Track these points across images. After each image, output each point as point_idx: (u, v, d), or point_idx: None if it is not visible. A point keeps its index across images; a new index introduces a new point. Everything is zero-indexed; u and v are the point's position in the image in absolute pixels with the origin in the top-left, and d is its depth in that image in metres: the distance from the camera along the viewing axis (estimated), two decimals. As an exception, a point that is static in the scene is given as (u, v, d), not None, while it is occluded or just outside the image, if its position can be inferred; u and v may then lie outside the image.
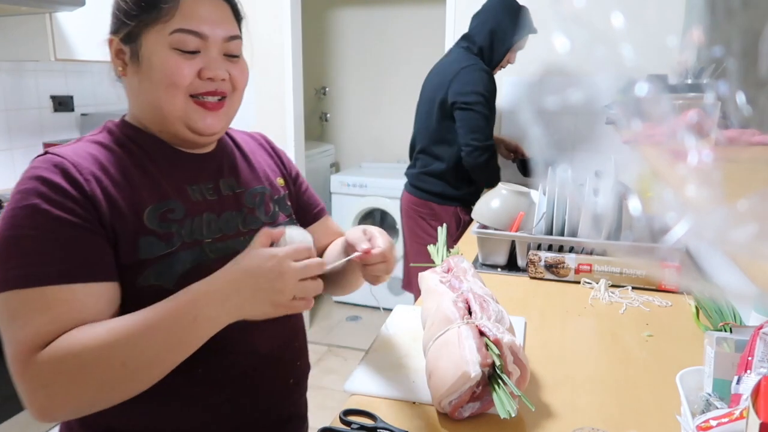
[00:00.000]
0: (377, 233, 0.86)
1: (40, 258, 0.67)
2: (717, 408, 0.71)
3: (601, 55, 0.52)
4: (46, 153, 0.75)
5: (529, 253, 1.46)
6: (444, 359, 0.82)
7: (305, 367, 0.97)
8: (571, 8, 0.54)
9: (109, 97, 2.81)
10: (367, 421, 0.82)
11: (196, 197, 0.83)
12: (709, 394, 0.75)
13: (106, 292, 0.71)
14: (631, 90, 0.55)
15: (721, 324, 1.05)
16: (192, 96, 0.78)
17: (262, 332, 0.84)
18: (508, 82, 2.61)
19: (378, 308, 3.53)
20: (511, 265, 1.55)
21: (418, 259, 1.23)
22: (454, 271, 1.06)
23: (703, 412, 0.71)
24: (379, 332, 1.12)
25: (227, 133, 0.97)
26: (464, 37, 2.26)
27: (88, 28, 2.25)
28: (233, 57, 0.81)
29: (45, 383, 0.64)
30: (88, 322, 0.67)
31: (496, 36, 2.18)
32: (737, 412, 0.63)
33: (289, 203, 0.98)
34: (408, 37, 3.82)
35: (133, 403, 0.69)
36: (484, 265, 1.57)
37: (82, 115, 2.63)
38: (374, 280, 0.86)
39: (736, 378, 0.69)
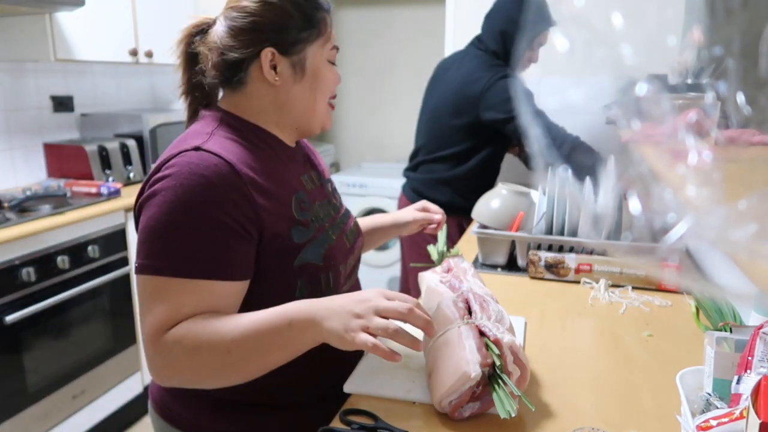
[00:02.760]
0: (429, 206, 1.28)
1: (195, 254, 0.76)
2: (717, 408, 0.71)
3: (601, 55, 0.53)
4: (198, 149, 0.80)
5: (529, 253, 1.46)
6: (444, 359, 0.82)
7: None
8: (571, 8, 0.54)
9: (109, 97, 2.82)
10: (367, 421, 0.82)
11: (309, 186, 0.94)
12: (709, 394, 0.75)
13: (239, 289, 0.81)
14: (631, 90, 0.55)
15: (721, 324, 1.05)
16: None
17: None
18: (508, 82, 2.61)
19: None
20: (511, 265, 1.55)
21: (417, 269, 1.23)
22: (454, 271, 1.07)
23: (703, 412, 0.71)
24: (379, 332, 1.12)
25: None
26: (478, 39, 2.18)
27: (88, 29, 2.25)
28: None
29: (167, 356, 0.75)
30: (219, 312, 0.78)
31: (507, 37, 2.08)
32: (737, 412, 0.63)
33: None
34: (408, 37, 3.82)
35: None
36: (484, 265, 1.57)
37: (82, 115, 2.63)
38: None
39: (736, 378, 0.69)
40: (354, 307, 0.74)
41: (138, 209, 0.81)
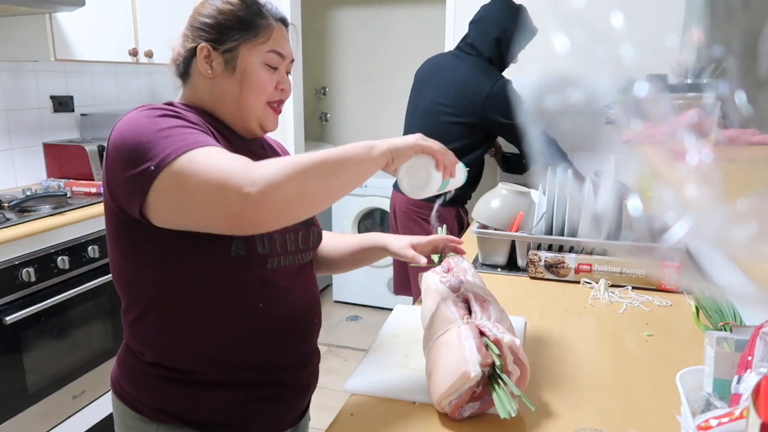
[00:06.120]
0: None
1: (204, 137, 0.81)
2: (717, 408, 0.71)
3: (601, 55, 0.53)
4: (139, 107, 0.86)
5: (529, 253, 1.46)
6: (444, 359, 0.82)
7: (320, 309, 1.07)
8: (571, 8, 0.54)
9: (109, 97, 2.82)
10: None
11: None
12: (709, 394, 0.75)
13: None
14: (631, 90, 0.55)
15: (721, 324, 1.05)
16: (267, 102, 0.97)
17: (297, 281, 0.98)
18: (508, 82, 2.61)
19: (378, 308, 3.52)
20: (511, 265, 1.55)
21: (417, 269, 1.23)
22: (454, 271, 1.07)
23: (703, 412, 0.71)
24: (379, 332, 1.12)
25: None
26: (469, 45, 2.23)
27: (88, 28, 2.25)
28: (288, 74, 1.02)
29: (267, 174, 0.73)
30: None
31: (501, 44, 2.18)
32: (737, 412, 0.63)
33: None
34: (408, 37, 3.82)
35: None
36: (484, 265, 1.57)
37: (82, 115, 2.62)
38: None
39: (736, 378, 0.69)
40: (414, 137, 0.90)
41: (106, 163, 0.84)
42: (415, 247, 1.12)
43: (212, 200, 0.74)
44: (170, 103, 0.93)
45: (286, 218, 0.78)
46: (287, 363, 0.96)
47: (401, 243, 1.13)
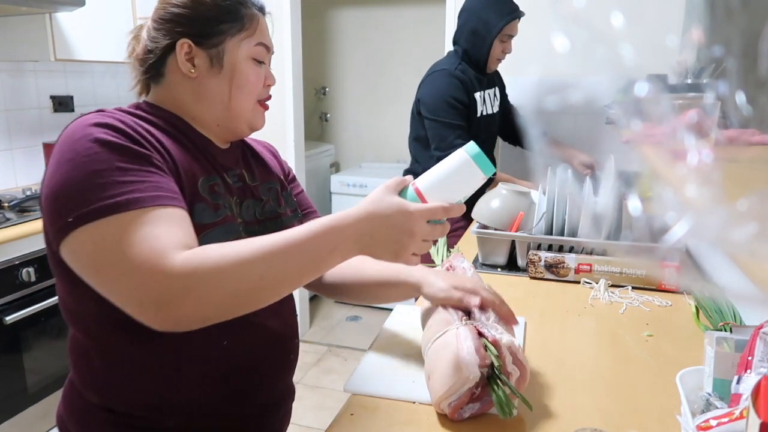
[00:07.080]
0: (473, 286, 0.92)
1: (140, 186, 0.68)
2: (717, 408, 0.71)
3: (601, 55, 0.53)
4: (83, 115, 0.77)
5: (529, 253, 1.46)
6: (442, 360, 0.82)
7: (298, 344, 0.99)
8: (571, 8, 0.54)
9: (109, 97, 2.82)
10: None
11: (229, 181, 0.87)
12: (709, 394, 0.75)
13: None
14: (631, 90, 0.55)
15: (721, 324, 1.05)
16: (257, 100, 0.88)
17: (270, 312, 0.82)
18: (508, 82, 2.60)
19: (378, 308, 3.52)
20: (511, 265, 1.55)
21: None
22: (454, 271, 1.06)
23: (703, 412, 0.71)
24: (379, 332, 1.12)
25: None
26: (453, 40, 2.25)
27: (88, 28, 2.25)
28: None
29: (183, 286, 0.61)
30: (191, 241, 0.68)
31: (477, 35, 2.11)
32: (737, 412, 0.63)
33: (294, 199, 1.03)
34: (408, 37, 3.82)
35: (143, 378, 0.77)
36: (484, 265, 1.57)
37: (82, 115, 2.63)
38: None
39: (736, 378, 0.69)
40: (402, 238, 0.71)
41: (42, 198, 0.73)
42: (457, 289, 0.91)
43: (124, 284, 0.62)
44: (138, 106, 0.84)
45: (214, 318, 0.66)
46: (256, 408, 0.87)
47: (441, 286, 0.92)
